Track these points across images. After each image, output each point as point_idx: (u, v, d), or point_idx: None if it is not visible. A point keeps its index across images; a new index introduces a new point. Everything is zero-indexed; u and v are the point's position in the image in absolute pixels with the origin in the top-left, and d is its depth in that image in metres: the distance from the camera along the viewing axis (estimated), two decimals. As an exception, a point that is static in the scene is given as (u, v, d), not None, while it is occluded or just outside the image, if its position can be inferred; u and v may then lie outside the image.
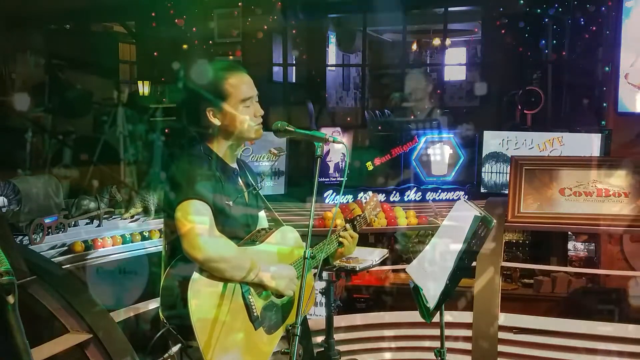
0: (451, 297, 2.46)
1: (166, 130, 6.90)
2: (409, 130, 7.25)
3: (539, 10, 7.03)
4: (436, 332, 2.76)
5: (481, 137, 5.44)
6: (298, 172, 5.63)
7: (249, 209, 2.39)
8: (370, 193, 3.27)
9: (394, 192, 5.41)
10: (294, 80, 8.92)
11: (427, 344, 3.81)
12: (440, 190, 5.43)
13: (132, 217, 4.13)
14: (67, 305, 3.07)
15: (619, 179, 3.88)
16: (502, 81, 7.37)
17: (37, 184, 3.59)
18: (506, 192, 4.25)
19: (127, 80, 9.18)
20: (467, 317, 3.72)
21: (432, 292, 2.46)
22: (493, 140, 5.36)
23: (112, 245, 3.77)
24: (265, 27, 7.90)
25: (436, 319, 2.55)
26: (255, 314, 2.21)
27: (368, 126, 8.59)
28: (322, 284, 3.26)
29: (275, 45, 8.35)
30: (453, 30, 10.39)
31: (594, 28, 6.61)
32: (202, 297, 2.09)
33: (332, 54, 10.34)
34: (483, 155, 5.38)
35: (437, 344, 2.66)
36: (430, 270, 2.59)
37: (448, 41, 9.82)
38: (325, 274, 3.17)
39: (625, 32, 5.90)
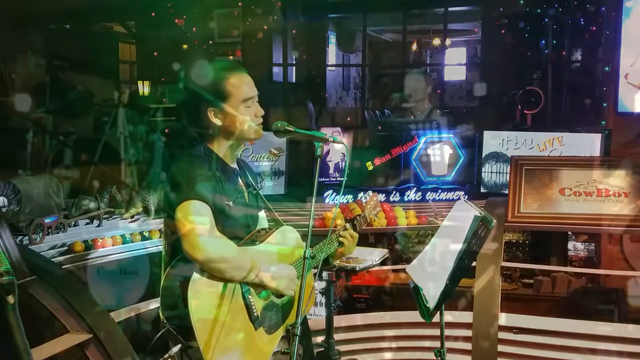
0: (451, 297, 2.46)
1: (166, 131, 6.90)
2: (409, 130, 7.25)
3: (539, 10, 7.03)
4: (436, 332, 2.76)
5: (481, 137, 5.44)
6: (298, 172, 5.63)
7: (249, 209, 2.40)
8: (370, 192, 3.27)
9: (394, 192, 5.40)
10: (294, 80, 8.91)
11: (427, 344, 3.81)
12: (440, 190, 5.43)
13: (132, 217, 4.13)
14: (67, 305, 3.07)
15: (619, 179, 3.88)
16: (502, 81, 7.37)
17: (37, 184, 3.59)
18: (506, 192, 4.25)
19: (127, 80, 9.18)
20: (467, 317, 3.72)
21: (432, 292, 2.46)
22: (493, 140, 5.35)
23: (112, 245, 3.77)
24: (265, 27, 7.90)
25: (436, 319, 2.55)
26: (255, 314, 2.21)
27: (368, 126, 8.59)
28: (322, 284, 3.26)
29: (275, 45, 8.34)
30: (453, 30, 10.38)
31: (594, 28, 6.61)
32: (202, 297, 2.09)
33: (332, 54, 10.33)
34: (483, 155, 5.38)
35: (437, 344, 2.66)
36: (430, 270, 2.59)
37: (448, 41, 9.82)
38: (325, 274, 3.18)
39: (625, 32, 5.90)
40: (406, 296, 3.12)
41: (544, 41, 7.11)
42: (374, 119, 9.29)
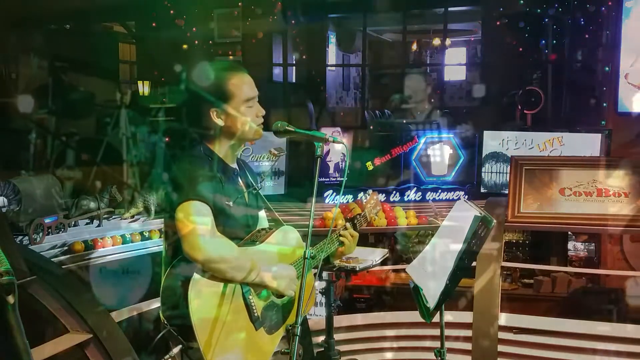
0: (451, 297, 2.46)
1: (167, 131, 6.90)
2: (409, 130, 7.27)
3: (539, 10, 7.03)
4: (436, 332, 2.76)
5: (481, 137, 5.44)
6: (298, 172, 5.64)
7: (249, 209, 2.40)
8: (370, 192, 3.27)
9: (394, 192, 5.41)
10: (294, 81, 8.92)
11: (427, 344, 3.81)
12: (440, 190, 5.43)
13: (132, 217, 4.13)
14: (67, 305, 3.07)
15: (619, 179, 3.88)
16: (502, 81, 7.37)
17: (37, 184, 3.59)
18: (506, 192, 4.25)
19: (127, 81, 9.18)
20: (467, 317, 3.72)
21: (432, 292, 2.46)
22: (493, 141, 5.36)
23: (112, 245, 3.77)
24: (266, 27, 7.90)
25: (436, 319, 2.55)
26: (255, 314, 2.21)
27: (368, 126, 8.59)
28: (322, 284, 3.26)
29: (275, 45, 8.35)
30: (453, 30, 10.38)
31: (594, 28, 6.61)
32: (202, 297, 2.09)
33: (332, 54, 10.33)
34: (483, 155, 5.38)
35: (437, 344, 2.66)
36: (431, 270, 2.59)
37: (448, 41, 9.82)
38: (325, 274, 3.18)
39: (625, 32, 5.90)
40: (406, 296, 3.12)
41: (544, 41, 7.11)
42: (374, 119, 9.29)
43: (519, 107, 6.37)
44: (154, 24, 7.85)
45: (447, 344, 2.67)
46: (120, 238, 3.82)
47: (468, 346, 3.65)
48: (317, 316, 4.79)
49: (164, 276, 2.18)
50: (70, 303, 3.08)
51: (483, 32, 8.98)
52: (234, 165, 2.40)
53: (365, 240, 5.65)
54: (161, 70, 7.71)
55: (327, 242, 2.52)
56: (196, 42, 7.72)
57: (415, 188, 5.41)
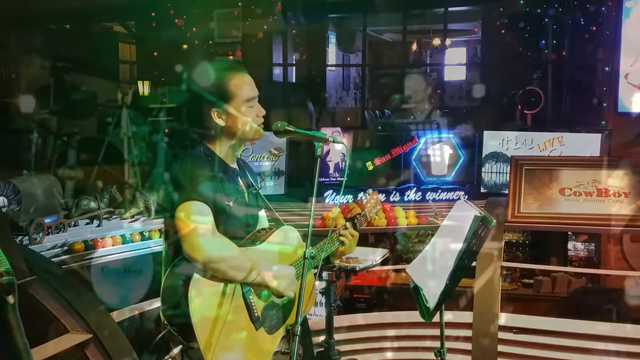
0: (451, 297, 2.46)
1: (166, 131, 6.91)
2: (409, 130, 7.27)
3: (539, 10, 7.03)
4: (436, 332, 2.76)
5: (481, 137, 5.45)
6: (298, 172, 5.64)
7: (250, 208, 2.40)
8: (370, 191, 3.27)
9: (394, 192, 5.41)
10: (294, 81, 8.92)
11: (427, 343, 3.81)
12: (440, 190, 5.43)
13: (132, 217, 4.14)
14: (67, 305, 3.08)
15: (618, 179, 3.88)
16: (502, 81, 7.37)
17: (37, 183, 3.59)
18: (506, 192, 4.25)
19: (127, 81, 9.18)
20: (467, 317, 3.72)
21: (432, 292, 2.46)
22: (493, 140, 5.36)
23: (112, 245, 3.77)
24: (265, 27, 7.90)
25: (436, 318, 2.55)
26: (256, 314, 2.21)
27: (368, 126, 8.59)
28: (322, 284, 3.26)
29: (275, 45, 8.35)
30: (453, 30, 10.38)
31: (594, 28, 6.60)
32: (203, 297, 2.09)
33: (332, 54, 10.33)
34: (483, 155, 5.39)
35: (437, 344, 2.66)
36: (431, 270, 2.59)
37: (448, 41, 9.82)
38: (325, 274, 3.17)
39: (625, 32, 5.90)
40: (406, 296, 3.12)
41: (544, 41, 7.11)
42: (374, 119, 9.29)
43: (519, 107, 6.37)
44: (153, 24, 7.85)
45: (447, 344, 2.67)
46: (120, 238, 3.83)
47: (468, 346, 3.65)
48: (317, 316, 4.79)
49: (165, 276, 2.18)
50: (70, 303, 3.08)
51: (483, 32, 8.98)
52: (234, 165, 2.40)
53: (365, 240, 5.64)
54: (161, 70, 7.71)
55: (327, 242, 2.52)
56: (196, 42, 7.72)
57: (415, 188, 5.42)
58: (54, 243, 3.57)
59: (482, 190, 5.38)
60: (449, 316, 3.69)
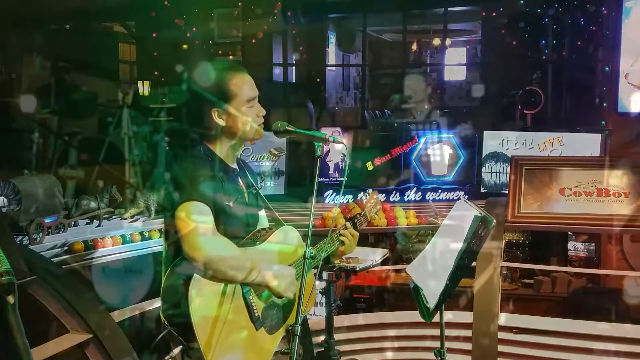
0: (451, 297, 2.46)
1: (166, 131, 6.91)
2: (409, 130, 7.27)
3: (539, 10, 7.03)
4: (436, 332, 2.76)
5: (481, 137, 5.44)
6: (298, 172, 5.64)
7: (250, 208, 2.40)
8: (370, 191, 3.27)
9: (394, 192, 5.41)
10: (294, 81, 8.92)
11: (427, 343, 3.81)
12: (440, 190, 5.43)
13: (132, 217, 4.14)
14: (67, 305, 3.08)
15: (618, 179, 3.88)
16: (502, 81, 7.37)
17: (37, 183, 3.59)
18: (506, 192, 4.25)
19: (127, 80, 9.19)
20: (467, 317, 3.72)
21: (432, 292, 2.47)
22: (493, 140, 5.36)
23: (112, 245, 3.77)
24: (265, 27, 7.90)
25: (436, 318, 2.56)
26: (256, 314, 2.21)
27: (368, 126, 8.59)
28: (322, 284, 3.26)
29: (275, 45, 8.35)
30: (453, 30, 10.38)
31: (594, 28, 6.60)
32: (203, 298, 2.09)
33: (332, 54, 10.33)
34: (483, 155, 5.39)
35: (437, 344, 2.66)
36: (431, 270, 2.59)
37: (448, 41, 9.82)
38: (325, 274, 3.18)
39: (625, 32, 5.90)
40: (406, 296, 3.12)
41: (544, 41, 7.11)
42: (374, 119, 9.29)
43: (519, 107, 6.37)
44: (154, 24, 7.85)
45: (447, 344, 2.67)
46: (120, 238, 3.83)
47: (468, 346, 3.65)
48: (317, 316, 4.79)
49: (165, 276, 2.18)
50: (71, 303, 3.08)
51: (483, 32, 8.98)
52: (234, 165, 2.40)
53: (365, 240, 5.65)
54: (161, 70, 7.71)
55: (327, 242, 2.52)
56: (196, 42, 7.72)
57: (415, 188, 5.42)
58: (54, 243, 3.57)
59: (482, 190, 5.38)
60: (449, 316, 3.69)
